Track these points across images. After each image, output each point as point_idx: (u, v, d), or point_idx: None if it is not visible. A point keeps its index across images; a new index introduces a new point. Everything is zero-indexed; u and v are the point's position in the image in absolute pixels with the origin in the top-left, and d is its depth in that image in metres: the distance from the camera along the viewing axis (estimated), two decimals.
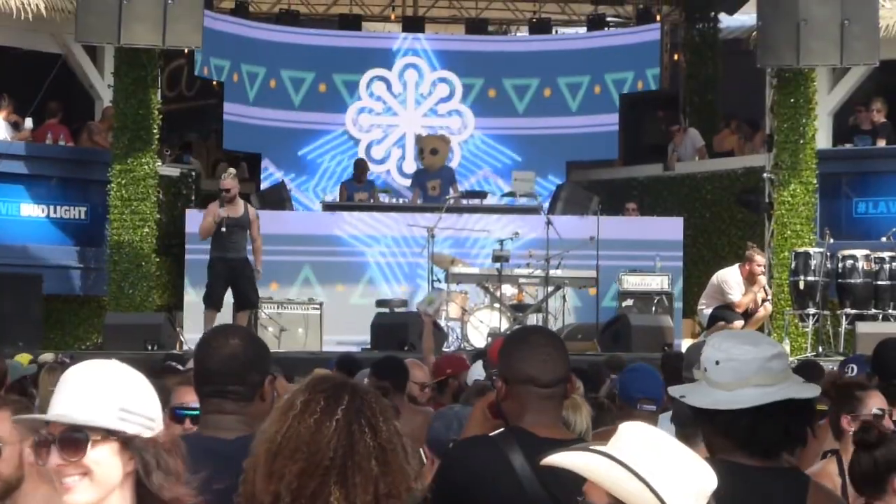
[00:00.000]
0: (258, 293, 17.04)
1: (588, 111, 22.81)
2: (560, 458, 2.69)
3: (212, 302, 16.69)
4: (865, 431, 4.56)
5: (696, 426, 4.99)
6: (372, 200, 20.58)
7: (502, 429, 4.10)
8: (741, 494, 3.50)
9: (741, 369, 3.55)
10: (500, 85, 23.11)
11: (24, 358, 11.07)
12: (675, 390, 3.78)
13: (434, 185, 20.98)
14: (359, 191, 20.73)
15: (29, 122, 19.94)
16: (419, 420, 6.85)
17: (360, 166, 21.41)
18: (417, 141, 22.21)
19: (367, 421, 2.89)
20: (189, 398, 4.83)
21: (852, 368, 7.81)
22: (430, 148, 21.58)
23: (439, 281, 18.05)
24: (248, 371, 3.99)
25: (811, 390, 3.64)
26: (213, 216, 16.57)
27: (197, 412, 4.63)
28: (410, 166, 22.44)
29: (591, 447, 2.66)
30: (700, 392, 3.61)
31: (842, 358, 15.06)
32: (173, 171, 20.81)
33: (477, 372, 8.46)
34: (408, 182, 22.16)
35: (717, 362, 3.59)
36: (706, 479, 2.63)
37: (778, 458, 3.60)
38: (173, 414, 4.83)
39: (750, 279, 17.59)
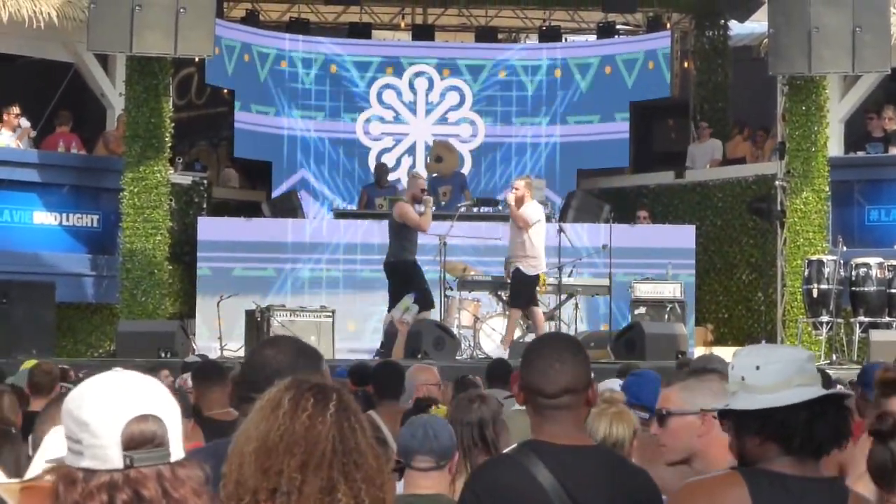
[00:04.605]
0: None
1: (598, 106, 22.80)
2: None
3: (433, 302, 16.95)
4: (881, 422, 4.52)
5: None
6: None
7: (515, 445, 4.10)
8: None
9: (785, 370, 3.57)
10: (510, 66, 23.16)
11: (31, 363, 11.00)
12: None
13: (445, 191, 20.96)
14: (380, 195, 20.73)
15: (25, 122, 19.91)
16: None
17: (381, 170, 21.48)
18: (428, 148, 22.28)
19: (357, 420, 2.93)
20: None
21: None
22: (435, 156, 21.62)
23: (451, 289, 18.05)
24: None
25: (845, 392, 3.76)
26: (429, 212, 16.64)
27: None
28: (421, 174, 22.45)
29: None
30: (743, 399, 3.60)
31: (856, 366, 15.08)
32: (185, 179, 20.82)
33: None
34: None
35: (758, 367, 3.59)
36: None
37: (817, 467, 3.60)
38: None
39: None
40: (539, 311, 17.25)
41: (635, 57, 22.75)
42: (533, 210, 16.96)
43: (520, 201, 16.95)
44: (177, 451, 2.59)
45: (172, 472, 2.57)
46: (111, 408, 2.54)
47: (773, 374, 3.57)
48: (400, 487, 5.10)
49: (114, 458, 2.52)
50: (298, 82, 22.58)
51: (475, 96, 23.09)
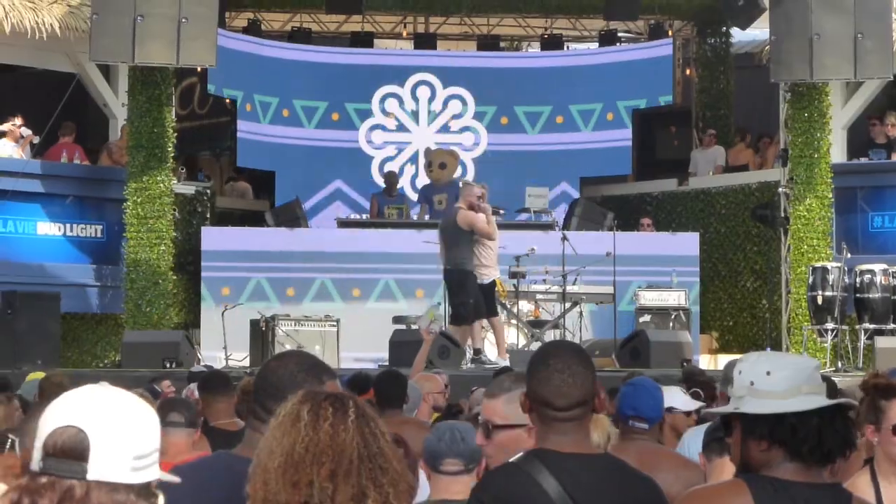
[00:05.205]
0: None
1: (601, 128, 22.80)
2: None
3: (477, 315, 16.31)
4: None
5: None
6: (405, 216, 20.49)
7: (522, 453, 4.10)
8: None
9: (796, 377, 3.58)
10: (511, 112, 23.09)
11: (37, 375, 11.01)
12: (719, 410, 3.77)
13: (441, 199, 20.85)
14: (389, 204, 20.70)
15: (26, 131, 19.91)
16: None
17: (391, 179, 21.45)
18: (426, 154, 22.19)
19: (377, 425, 2.94)
20: None
21: None
22: (439, 162, 21.56)
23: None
24: None
25: (851, 402, 3.78)
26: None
27: None
28: (424, 182, 22.43)
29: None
30: (754, 404, 3.61)
31: (861, 374, 15.07)
32: (188, 188, 20.84)
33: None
34: None
35: (768, 372, 3.60)
36: None
37: (821, 474, 3.61)
38: None
39: None
40: (478, 326, 16.61)
41: (637, 104, 22.72)
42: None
43: (473, 209, 16.28)
44: (104, 472, 2.56)
45: (86, 491, 2.55)
46: (49, 415, 2.60)
47: (783, 380, 3.58)
48: (425, 494, 5.02)
49: (37, 462, 2.59)
50: (300, 132, 22.56)
51: (476, 115, 23.07)
